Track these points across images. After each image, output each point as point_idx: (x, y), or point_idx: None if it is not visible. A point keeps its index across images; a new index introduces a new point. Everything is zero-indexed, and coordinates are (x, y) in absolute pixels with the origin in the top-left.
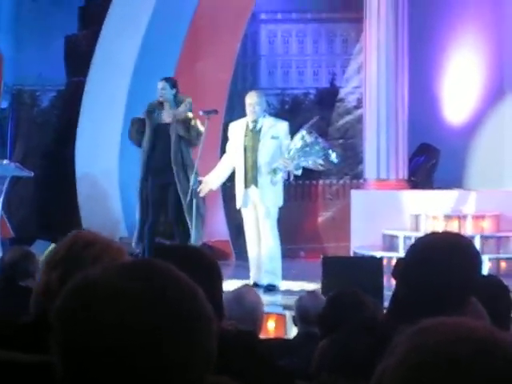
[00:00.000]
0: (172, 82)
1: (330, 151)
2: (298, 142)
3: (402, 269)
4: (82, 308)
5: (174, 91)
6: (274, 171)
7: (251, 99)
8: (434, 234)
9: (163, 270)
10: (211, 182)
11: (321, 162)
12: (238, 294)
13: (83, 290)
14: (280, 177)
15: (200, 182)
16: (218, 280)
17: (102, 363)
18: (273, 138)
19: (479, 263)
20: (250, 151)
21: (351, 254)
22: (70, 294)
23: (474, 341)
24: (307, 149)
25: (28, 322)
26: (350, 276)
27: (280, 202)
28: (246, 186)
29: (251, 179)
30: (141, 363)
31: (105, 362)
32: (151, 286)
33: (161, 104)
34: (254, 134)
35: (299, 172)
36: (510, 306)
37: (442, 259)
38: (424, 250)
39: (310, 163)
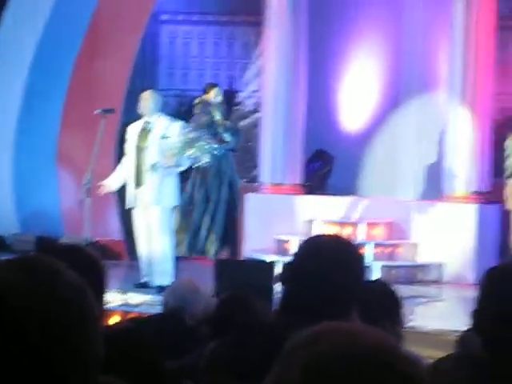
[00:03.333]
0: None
1: (214, 146)
2: (180, 137)
3: (288, 272)
4: None
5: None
6: (153, 167)
7: (145, 96)
8: (317, 237)
9: (52, 267)
10: (110, 184)
11: (206, 157)
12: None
13: None
14: (161, 173)
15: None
16: (102, 280)
17: None
18: (163, 137)
19: (363, 266)
20: (142, 151)
21: (244, 258)
22: None
23: (366, 350)
24: (189, 144)
25: None
26: (241, 279)
27: (173, 202)
28: (137, 186)
29: (141, 179)
30: (28, 361)
31: None
32: (40, 282)
33: None
34: (146, 133)
35: (181, 168)
36: (398, 311)
37: (325, 262)
38: (308, 253)
39: (192, 158)
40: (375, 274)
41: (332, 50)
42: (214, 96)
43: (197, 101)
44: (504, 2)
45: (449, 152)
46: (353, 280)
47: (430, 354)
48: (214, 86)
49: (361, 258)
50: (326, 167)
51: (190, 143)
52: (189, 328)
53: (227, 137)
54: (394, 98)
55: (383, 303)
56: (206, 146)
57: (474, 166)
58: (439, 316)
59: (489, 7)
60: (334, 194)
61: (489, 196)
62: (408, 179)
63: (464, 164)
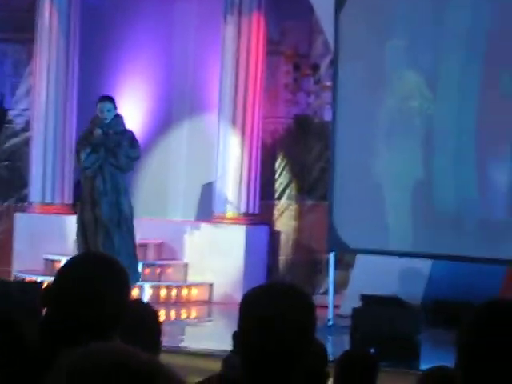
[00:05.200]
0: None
1: None
2: None
3: (49, 294)
4: None
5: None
6: None
7: None
8: (79, 258)
9: None
10: None
11: None
12: None
13: None
14: None
15: None
16: None
17: None
18: None
19: (126, 287)
20: None
21: (12, 278)
22: None
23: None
24: None
25: None
26: (8, 300)
27: None
28: None
29: None
30: None
31: None
32: None
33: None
34: None
35: None
36: (158, 331)
37: (84, 283)
38: (68, 274)
39: None
40: (145, 294)
41: (104, 69)
42: (98, 110)
43: None
44: (274, 28)
45: (219, 173)
46: (114, 301)
47: (197, 374)
48: (99, 100)
49: (124, 278)
50: None
51: None
52: None
53: (82, 154)
54: (166, 120)
55: (143, 323)
56: None
57: (243, 187)
58: (208, 336)
59: (258, 32)
60: None
61: (257, 217)
62: (179, 200)
63: (233, 186)
